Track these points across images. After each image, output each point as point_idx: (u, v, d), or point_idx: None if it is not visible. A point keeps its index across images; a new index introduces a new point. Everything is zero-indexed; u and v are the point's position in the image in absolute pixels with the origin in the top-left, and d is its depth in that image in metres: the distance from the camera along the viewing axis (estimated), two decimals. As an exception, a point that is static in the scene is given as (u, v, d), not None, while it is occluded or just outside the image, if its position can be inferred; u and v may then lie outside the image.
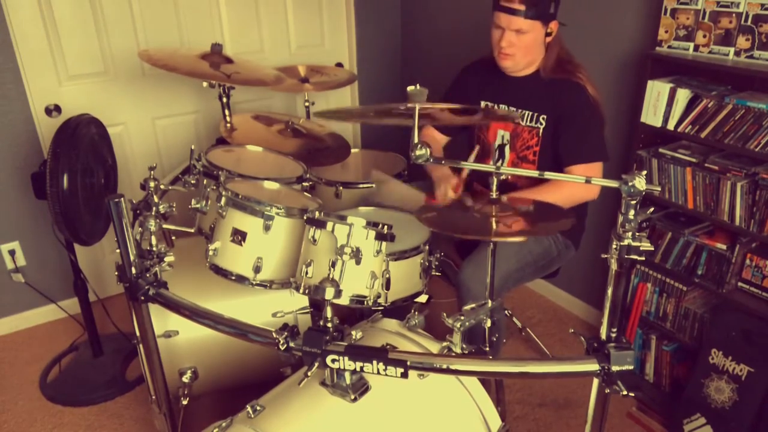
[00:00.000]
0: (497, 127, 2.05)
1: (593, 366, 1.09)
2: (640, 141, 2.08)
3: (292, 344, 1.20)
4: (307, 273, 1.34)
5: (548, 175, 1.34)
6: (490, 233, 1.39)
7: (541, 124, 1.94)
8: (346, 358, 1.16)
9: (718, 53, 1.85)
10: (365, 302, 1.38)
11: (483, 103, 2.09)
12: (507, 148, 2.04)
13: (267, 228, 1.52)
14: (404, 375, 1.14)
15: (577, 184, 1.84)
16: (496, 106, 2.06)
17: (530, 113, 1.96)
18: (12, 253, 2.63)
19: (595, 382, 1.13)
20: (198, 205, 1.63)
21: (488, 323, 1.60)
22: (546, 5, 1.82)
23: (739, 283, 1.92)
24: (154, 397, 1.62)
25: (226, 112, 2.25)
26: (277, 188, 1.75)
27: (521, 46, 1.87)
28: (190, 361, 1.86)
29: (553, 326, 2.69)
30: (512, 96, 2.02)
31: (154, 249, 1.45)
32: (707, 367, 1.93)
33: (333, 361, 1.17)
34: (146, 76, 2.76)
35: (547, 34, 1.88)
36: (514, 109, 2.01)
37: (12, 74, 2.43)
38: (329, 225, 1.31)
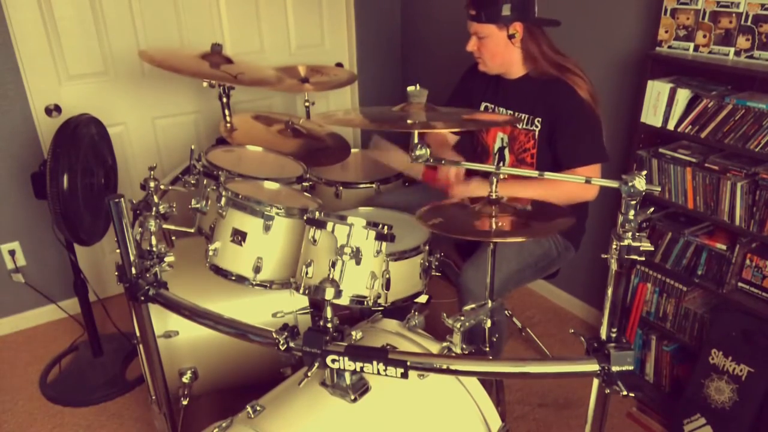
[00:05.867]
0: (496, 130, 2.05)
1: (593, 366, 1.09)
2: (640, 141, 2.08)
3: (292, 344, 1.20)
4: (307, 273, 1.34)
5: (548, 175, 1.35)
6: (490, 234, 1.39)
7: (537, 126, 1.94)
8: (346, 359, 1.16)
9: (718, 53, 1.85)
10: (365, 302, 1.38)
11: (483, 105, 2.09)
12: (506, 151, 2.04)
13: (267, 228, 1.52)
14: (404, 375, 1.14)
15: (574, 183, 1.84)
16: (495, 109, 2.06)
17: (526, 116, 1.96)
18: (12, 253, 2.63)
19: (595, 382, 1.13)
20: (198, 205, 1.63)
21: (488, 323, 1.60)
22: (496, 8, 1.83)
23: (739, 284, 1.92)
24: (154, 397, 1.62)
25: (226, 112, 2.25)
26: (277, 188, 1.75)
27: (485, 50, 1.92)
28: (190, 361, 1.86)
29: (553, 326, 2.69)
30: (509, 98, 2.02)
31: (154, 249, 1.45)
32: (707, 367, 1.93)
33: (333, 361, 1.17)
34: (146, 76, 2.76)
35: (511, 36, 1.88)
36: (511, 111, 2.01)
37: (12, 74, 2.44)
38: (329, 225, 1.31)
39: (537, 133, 1.94)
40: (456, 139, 2.26)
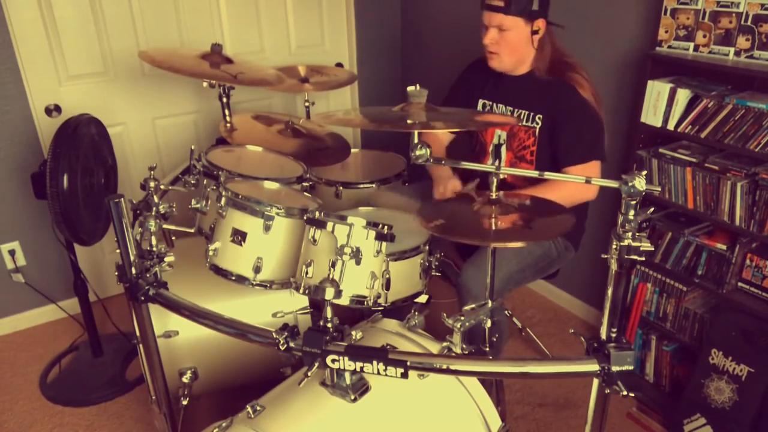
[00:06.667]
0: (494, 127, 2.05)
1: (593, 366, 1.09)
2: (640, 141, 2.08)
3: (292, 344, 1.20)
4: (307, 273, 1.34)
5: (548, 175, 1.35)
6: (490, 236, 1.39)
7: (538, 123, 1.94)
8: (346, 359, 1.16)
9: (718, 53, 1.85)
10: (365, 302, 1.38)
11: (481, 102, 2.09)
12: (503, 148, 2.03)
13: (267, 228, 1.52)
14: (404, 375, 1.14)
15: (575, 184, 1.84)
16: (494, 105, 2.06)
17: (526, 113, 1.96)
18: (12, 253, 2.63)
19: (595, 382, 1.13)
20: (198, 205, 1.63)
21: (488, 323, 1.60)
22: (527, 2, 1.81)
23: (739, 283, 1.92)
24: (154, 397, 1.62)
25: (226, 112, 2.25)
26: (277, 188, 1.75)
27: (505, 45, 1.88)
28: (190, 361, 1.86)
29: (553, 326, 2.69)
30: (509, 95, 2.02)
31: (154, 249, 1.45)
32: (707, 367, 1.93)
33: (333, 361, 1.17)
34: (146, 76, 2.76)
35: (534, 32, 1.87)
36: (511, 108, 2.01)
37: (12, 74, 2.43)
38: (329, 225, 1.31)
39: (538, 130, 1.94)
40: (450, 139, 2.26)
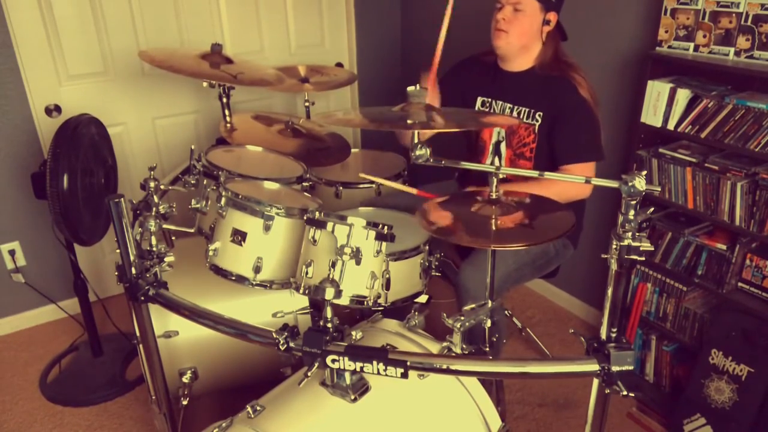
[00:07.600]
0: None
1: (593, 366, 1.09)
2: (640, 141, 2.08)
3: (292, 344, 1.21)
4: (307, 273, 1.34)
5: (548, 175, 1.35)
6: (490, 238, 1.39)
7: (537, 120, 1.94)
8: (346, 359, 1.16)
9: (718, 53, 1.85)
10: (365, 302, 1.38)
11: (480, 99, 2.09)
12: (503, 145, 2.03)
13: (267, 228, 1.52)
14: (404, 375, 1.14)
15: (568, 182, 1.84)
16: (493, 102, 2.06)
17: (526, 110, 1.97)
18: (12, 253, 2.63)
19: (595, 382, 1.13)
20: (198, 205, 1.63)
21: (488, 323, 1.60)
22: None
23: (739, 284, 1.92)
24: (154, 397, 1.62)
25: (226, 112, 2.25)
26: (277, 188, 1.75)
27: (517, 24, 1.88)
28: (190, 362, 1.86)
29: (553, 326, 2.69)
30: (508, 92, 2.02)
31: (154, 249, 1.45)
32: (707, 367, 1.93)
33: (333, 361, 1.17)
34: (146, 76, 2.76)
35: (546, 22, 1.89)
36: (511, 105, 2.01)
37: (12, 74, 2.43)
38: (329, 225, 1.31)
39: (537, 127, 1.94)
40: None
